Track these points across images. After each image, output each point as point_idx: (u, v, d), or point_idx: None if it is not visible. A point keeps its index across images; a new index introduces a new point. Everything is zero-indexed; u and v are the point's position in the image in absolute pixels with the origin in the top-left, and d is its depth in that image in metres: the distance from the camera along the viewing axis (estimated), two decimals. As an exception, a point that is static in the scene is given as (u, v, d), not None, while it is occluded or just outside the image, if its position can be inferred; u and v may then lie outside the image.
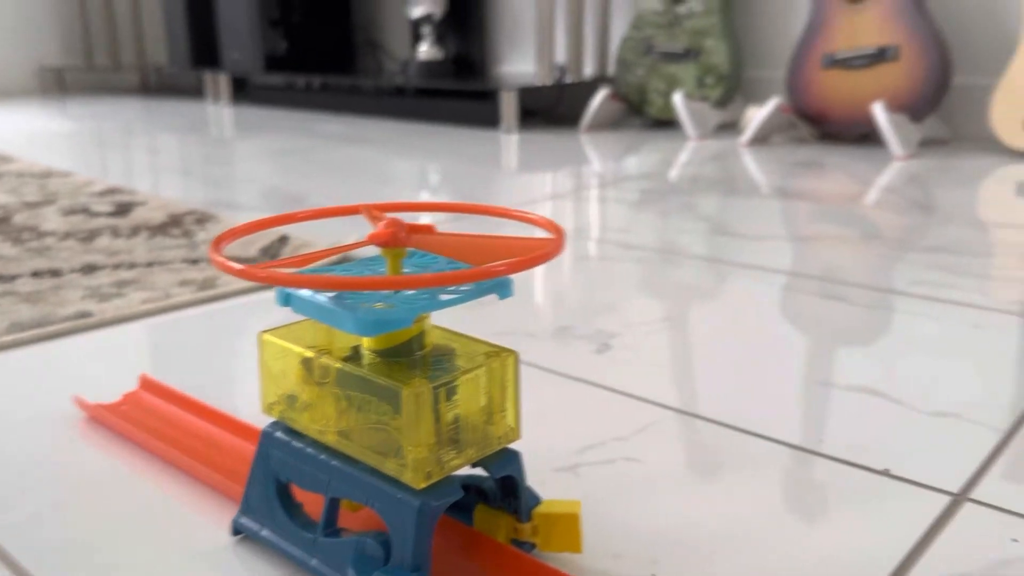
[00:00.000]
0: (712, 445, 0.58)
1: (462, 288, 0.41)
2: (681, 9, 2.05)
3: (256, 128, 2.34)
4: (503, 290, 0.42)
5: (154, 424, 0.60)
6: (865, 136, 1.84)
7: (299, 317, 0.68)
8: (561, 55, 2.33)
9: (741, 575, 0.44)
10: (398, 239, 0.41)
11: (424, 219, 1.24)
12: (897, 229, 1.15)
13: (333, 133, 2.21)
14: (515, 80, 2.30)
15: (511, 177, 1.59)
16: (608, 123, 2.20)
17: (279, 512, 0.46)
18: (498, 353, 0.43)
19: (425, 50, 2.60)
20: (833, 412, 0.62)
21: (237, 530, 0.48)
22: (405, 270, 0.43)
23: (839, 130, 1.83)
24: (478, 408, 0.41)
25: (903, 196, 1.36)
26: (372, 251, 1.04)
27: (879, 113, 1.68)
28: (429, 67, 2.57)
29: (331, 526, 0.44)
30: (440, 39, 2.65)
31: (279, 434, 0.46)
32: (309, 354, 0.43)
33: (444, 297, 0.40)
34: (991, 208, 1.28)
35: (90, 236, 1.12)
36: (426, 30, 2.60)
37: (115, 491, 0.53)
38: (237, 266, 0.39)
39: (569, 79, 2.29)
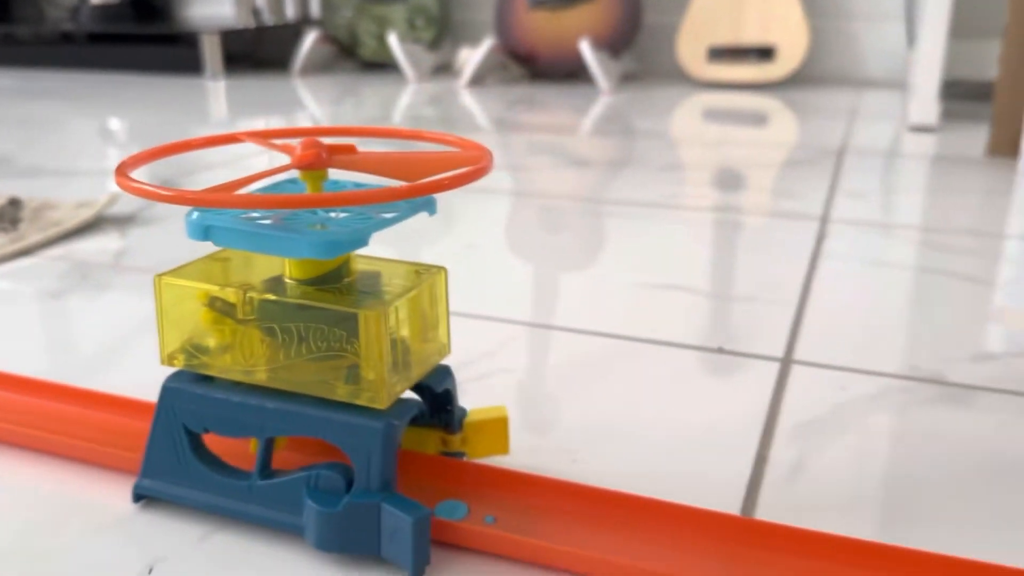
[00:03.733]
0: (571, 347, 0.62)
1: (398, 206, 0.41)
2: (385, -50, 2.04)
3: (-102, 83, 1.98)
4: (431, 207, 0.42)
5: (-29, 407, 0.52)
6: (571, 74, 1.98)
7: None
8: (260, -3, 2.22)
9: (644, 450, 0.49)
10: (321, 160, 0.40)
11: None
12: (637, 154, 1.27)
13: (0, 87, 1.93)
14: (214, 23, 2.16)
15: (233, 124, 1.52)
16: (320, 66, 2.15)
17: (195, 466, 0.43)
18: (428, 270, 0.43)
19: (99, -8, 2.35)
20: (658, 306, 0.69)
21: (139, 495, 0.44)
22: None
23: (548, 69, 1.95)
24: (418, 327, 0.42)
25: (618, 125, 1.49)
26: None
27: (586, 50, 1.81)
28: (105, 12, 2.33)
29: (267, 469, 0.42)
30: (114, -20, 2.40)
31: (186, 385, 0.42)
32: (230, 291, 0.40)
33: (387, 216, 0.39)
34: (689, 130, 1.44)
35: None
36: (97, -30, 2.35)
37: (-43, 484, 0.46)
38: (165, 191, 0.35)
39: (270, 21, 2.19)
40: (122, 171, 0.38)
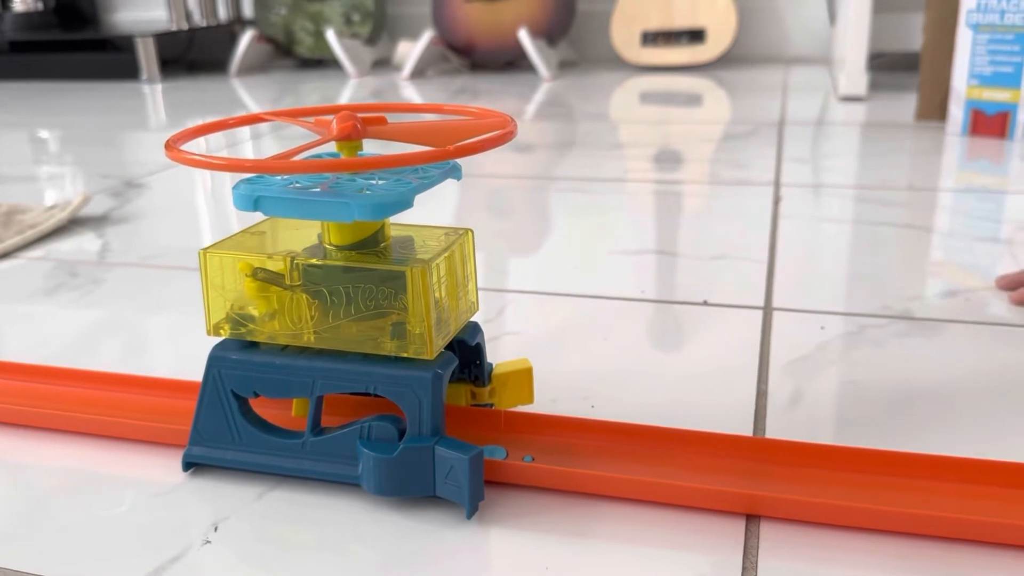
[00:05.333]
0: (565, 310, 0.66)
1: (431, 171, 0.43)
2: (316, -53, 2.04)
3: None
4: (457, 173, 0.45)
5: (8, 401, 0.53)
6: (510, 63, 2.02)
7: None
8: (190, -1, 2.20)
9: (654, 392, 0.53)
10: (358, 131, 0.42)
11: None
12: (582, 136, 1.31)
13: (-70, 99, 1.88)
14: (144, 27, 2.13)
15: (180, 124, 1.51)
16: (257, 66, 2.14)
17: (246, 429, 0.45)
18: (456, 232, 0.46)
19: (20, 1, 2.29)
20: (637, 270, 0.73)
21: (190, 463, 0.46)
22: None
23: (487, 59, 1.98)
24: (453, 284, 0.45)
25: (561, 109, 1.53)
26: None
27: (525, 39, 1.84)
28: (29, 19, 2.27)
29: (318, 426, 0.45)
30: (34, -13, 2.34)
31: (232, 352, 0.45)
32: (278, 259, 0.43)
33: (426, 179, 0.42)
34: (632, 112, 1.50)
35: None
36: (16, -23, 2.29)
37: (21, 472, 0.48)
38: (218, 160, 0.38)
39: (203, 23, 2.17)
40: (171, 145, 0.40)
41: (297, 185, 0.42)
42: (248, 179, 0.43)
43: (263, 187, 0.41)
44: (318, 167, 0.38)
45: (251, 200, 0.41)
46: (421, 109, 0.48)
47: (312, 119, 0.45)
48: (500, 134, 0.41)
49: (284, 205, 0.41)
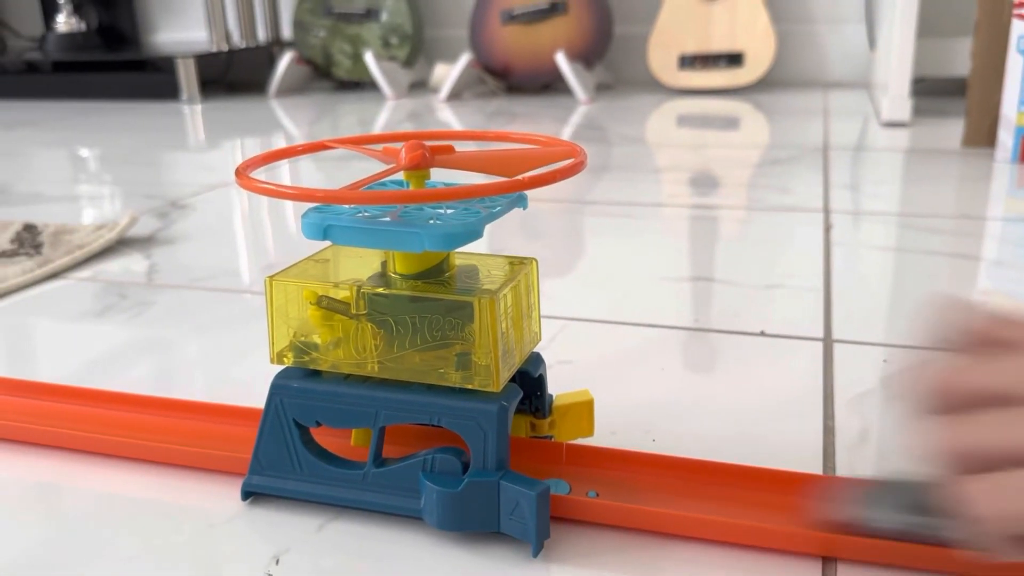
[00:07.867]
0: (616, 338, 0.65)
1: (498, 200, 0.43)
2: (355, -30, 2.06)
3: None
4: (523, 202, 0.44)
5: (57, 424, 0.53)
6: (547, 86, 2.02)
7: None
8: (231, 20, 2.22)
9: (716, 426, 0.52)
10: (426, 160, 0.42)
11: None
12: (620, 159, 1.30)
13: (-24, 118, 1.91)
14: (185, 47, 2.16)
15: (218, 146, 1.52)
16: (296, 87, 2.16)
17: (308, 459, 0.45)
18: (522, 261, 0.45)
19: (64, 21, 2.33)
20: (687, 298, 0.72)
21: (248, 492, 0.46)
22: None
23: (524, 82, 1.99)
24: (518, 314, 0.44)
25: (599, 132, 1.53)
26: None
27: (562, 62, 1.85)
28: (73, 40, 2.31)
29: (380, 457, 0.44)
30: (78, 9, 2.38)
31: (295, 381, 0.44)
32: (344, 288, 0.42)
33: (494, 209, 0.42)
34: (670, 135, 1.49)
35: None
36: (62, 0, 2.33)
37: (72, 499, 0.47)
38: (291, 190, 0.37)
39: (243, 44, 2.20)
40: (242, 173, 0.40)
41: (366, 214, 0.41)
42: (316, 207, 0.42)
43: (332, 216, 0.41)
44: (391, 198, 0.37)
45: (320, 229, 0.41)
46: (487, 137, 0.48)
47: (380, 147, 0.45)
48: (572, 164, 0.41)
49: (354, 234, 0.40)
